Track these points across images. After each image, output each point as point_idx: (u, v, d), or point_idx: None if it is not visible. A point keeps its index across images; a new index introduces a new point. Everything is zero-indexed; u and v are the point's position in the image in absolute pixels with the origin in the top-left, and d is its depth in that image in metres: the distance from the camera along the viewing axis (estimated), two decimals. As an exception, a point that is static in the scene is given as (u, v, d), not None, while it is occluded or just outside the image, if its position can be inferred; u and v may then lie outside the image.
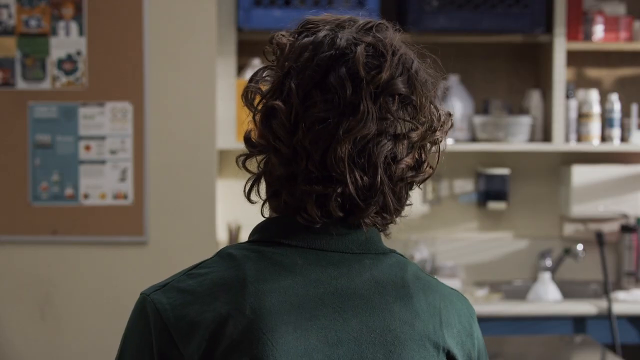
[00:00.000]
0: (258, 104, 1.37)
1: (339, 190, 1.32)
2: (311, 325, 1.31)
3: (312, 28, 1.39)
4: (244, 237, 4.35)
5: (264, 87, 1.37)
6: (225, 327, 1.30)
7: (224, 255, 1.39)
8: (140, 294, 1.41)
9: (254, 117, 1.38)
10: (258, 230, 1.41)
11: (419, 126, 1.36)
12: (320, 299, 1.33)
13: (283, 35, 1.39)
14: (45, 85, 4.00)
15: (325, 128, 1.31)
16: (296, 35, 1.39)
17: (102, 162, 4.01)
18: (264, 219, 1.41)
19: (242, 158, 1.40)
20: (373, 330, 1.34)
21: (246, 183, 1.41)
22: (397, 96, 1.34)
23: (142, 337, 1.35)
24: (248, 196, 1.41)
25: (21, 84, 4.00)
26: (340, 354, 1.31)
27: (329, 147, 1.31)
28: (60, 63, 4.00)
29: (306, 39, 1.37)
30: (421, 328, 1.36)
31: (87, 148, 4.01)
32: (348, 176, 1.31)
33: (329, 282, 1.35)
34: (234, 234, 4.30)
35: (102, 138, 4.01)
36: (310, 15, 1.43)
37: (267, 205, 1.41)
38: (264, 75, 1.39)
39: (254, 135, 1.38)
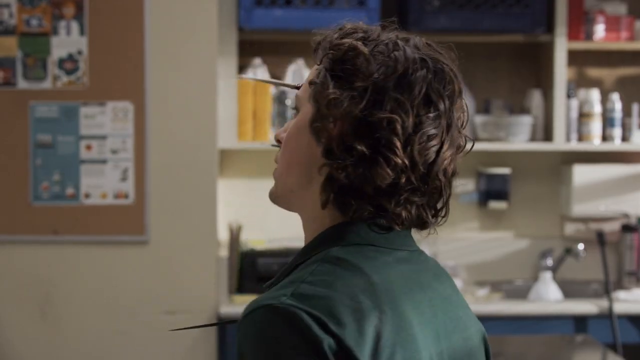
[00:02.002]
0: (350, 112, 1.37)
1: (438, 201, 1.43)
2: (423, 316, 1.40)
3: (373, 38, 1.43)
4: (244, 237, 4.35)
5: (335, 94, 1.38)
6: (383, 331, 1.32)
7: (333, 259, 1.38)
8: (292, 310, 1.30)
9: (333, 124, 1.38)
10: (347, 233, 1.41)
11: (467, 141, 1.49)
12: (415, 290, 1.42)
13: (357, 43, 1.41)
14: (46, 84, 4.00)
15: (434, 144, 1.39)
16: (370, 45, 1.41)
17: (103, 161, 4.01)
18: (342, 222, 1.41)
19: (336, 168, 1.39)
20: (452, 320, 1.45)
21: (334, 195, 1.40)
22: (463, 113, 1.48)
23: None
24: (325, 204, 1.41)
25: (22, 84, 4.00)
26: (443, 347, 1.42)
27: (435, 162, 1.40)
28: (61, 62, 4.00)
29: (396, 53, 1.40)
30: (472, 314, 1.52)
31: (88, 147, 4.01)
32: (444, 189, 1.43)
33: (417, 276, 1.44)
34: (234, 233, 4.30)
35: (103, 137, 4.01)
36: (346, 20, 1.48)
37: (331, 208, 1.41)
38: (329, 81, 1.39)
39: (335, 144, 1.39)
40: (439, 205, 1.44)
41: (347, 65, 1.39)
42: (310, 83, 1.43)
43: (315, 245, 1.41)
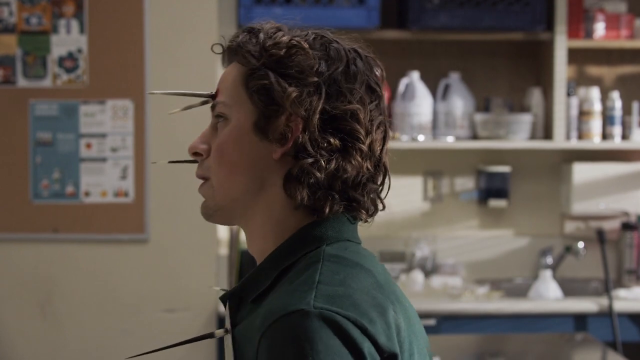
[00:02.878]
0: (315, 107, 1.38)
1: (386, 186, 1.44)
2: (402, 306, 1.40)
3: (297, 35, 1.42)
4: (244, 235, 4.35)
5: (296, 92, 1.37)
6: (399, 323, 1.34)
7: (332, 258, 1.37)
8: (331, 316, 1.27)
9: (296, 122, 1.38)
10: (327, 230, 1.40)
11: None
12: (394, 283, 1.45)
13: (296, 40, 1.40)
14: (46, 83, 4.00)
15: (384, 130, 1.43)
16: (310, 42, 1.41)
17: (103, 159, 4.01)
18: (316, 219, 1.40)
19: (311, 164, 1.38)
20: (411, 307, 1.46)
21: (315, 193, 1.38)
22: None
23: None
24: (324, 209, 1.40)
25: (22, 82, 4.00)
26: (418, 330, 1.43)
27: (383, 148, 1.43)
28: (61, 61, 4.00)
29: (333, 46, 1.41)
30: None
31: (88, 146, 4.01)
32: (388, 173, 1.45)
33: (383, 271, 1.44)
34: (234, 232, 4.30)
35: (103, 136, 4.01)
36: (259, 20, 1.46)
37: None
38: (280, 80, 1.38)
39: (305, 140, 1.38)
40: (383, 194, 1.45)
41: (292, 62, 1.38)
42: (250, 84, 1.39)
43: (294, 249, 1.39)
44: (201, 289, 4.03)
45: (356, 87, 1.39)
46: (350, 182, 1.39)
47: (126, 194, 4.02)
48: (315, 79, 1.38)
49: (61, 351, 4.04)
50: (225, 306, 1.43)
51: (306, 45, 1.39)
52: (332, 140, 1.37)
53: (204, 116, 4.48)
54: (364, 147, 1.39)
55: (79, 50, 4.00)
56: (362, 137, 1.39)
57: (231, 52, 1.45)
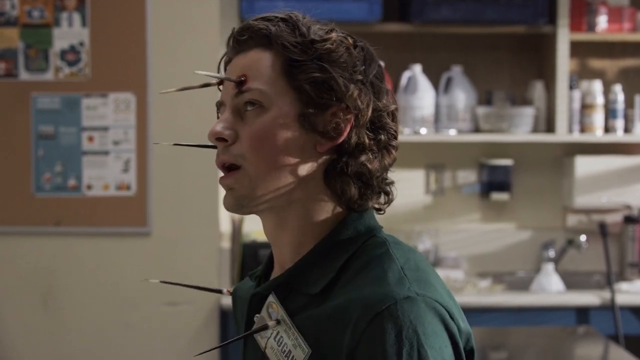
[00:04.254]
0: (368, 104, 1.41)
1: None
2: None
3: (335, 30, 1.44)
4: (247, 228, 4.35)
5: (353, 89, 1.40)
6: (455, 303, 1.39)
7: (394, 244, 1.41)
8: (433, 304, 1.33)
9: (358, 116, 1.40)
10: (371, 220, 1.43)
11: None
12: None
13: (341, 36, 1.42)
14: (48, 76, 4.00)
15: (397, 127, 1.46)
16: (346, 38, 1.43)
17: (105, 153, 4.01)
18: (357, 211, 1.43)
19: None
20: None
21: (360, 188, 1.41)
22: None
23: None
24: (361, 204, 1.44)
25: (24, 75, 4.00)
26: None
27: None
28: (63, 54, 4.00)
29: (360, 43, 1.43)
30: None
31: (90, 139, 4.01)
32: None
33: None
34: (236, 224, 4.30)
35: (105, 129, 4.01)
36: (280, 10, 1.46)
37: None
38: (336, 76, 1.40)
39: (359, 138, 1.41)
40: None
41: (342, 59, 1.39)
42: (298, 76, 1.38)
43: (350, 240, 1.40)
44: (203, 282, 4.03)
45: (385, 85, 1.43)
46: (381, 175, 1.43)
47: (128, 187, 4.02)
48: (360, 77, 1.39)
49: (63, 344, 4.05)
50: (251, 300, 1.46)
51: (350, 42, 1.41)
52: (382, 137, 1.41)
53: (207, 108, 4.47)
54: (396, 142, 1.44)
55: (81, 44, 3.99)
56: (396, 133, 1.43)
57: (259, 39, 1.41)
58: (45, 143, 4.00)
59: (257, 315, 1.44)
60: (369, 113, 1.39)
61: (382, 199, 1.44)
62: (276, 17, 1.42)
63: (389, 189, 1.44)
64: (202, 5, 4.02)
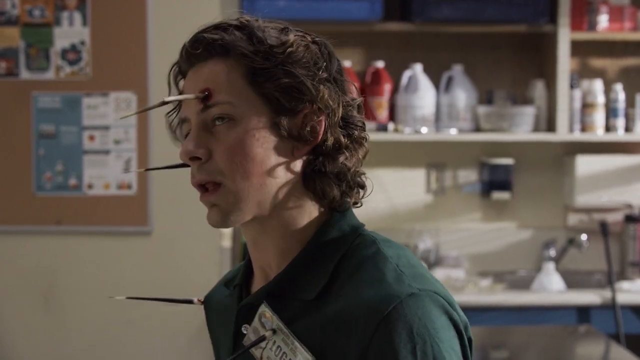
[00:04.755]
0: (338, 102, 1.39)
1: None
2: None
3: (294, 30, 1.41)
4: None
5: (323, 90, 1.38)
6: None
7: (384, 242, 1.39)
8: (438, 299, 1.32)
9: (330, 116, 1.38)
10: (353, 219, 1.42)
11: None
12: None
13: (300, 36, 1.40)
14: (49, 75, 4.00)
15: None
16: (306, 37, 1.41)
17: (106, 152, 4.01)
18: (342, 211, 1.41)
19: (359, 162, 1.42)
20: None
21: (340, 187, 1.40)
22: None
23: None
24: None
25: (25, 74, 4.00)
26: None
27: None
28: (64, 53, 4.00)
29: (317, 40, 1.40)
30: None
31: (91, 138, 4.01)
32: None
33: None
34: (237, 224, 4.31)
35: (106, 128, 4.01)
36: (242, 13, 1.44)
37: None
38: (304, 78, 1.38)
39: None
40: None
41: (304, 59, 1.36)
42: (264, 84, 1.34)
43: (338, 242, 1.37)
44: (204, 281, 4.03)
45: (347, 78, 1.41)
46: (357, 171, 1.41)
47: (129, 187, 4.02)
48: (325, 74, 1.37)
49: (64, 343, 4.05)
50: (239, 311, 1.42)
51: (309, 40, 1.38)
52: (355, 132, 1.39)
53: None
54: (367, 134, 1.42)
55: (82, 43, 3.99)
56: (364, 126, 1.41)
57: (215, 50, 1.38)
58: (46, 142, 4.00)
59: (246, 325, 1.40)
60: (340, 111, 1.36)
61: (359, 192, 1.42)
62: (229, 25, 1.38)
63: (363, 182, 1.41)
64: (203, 5, 4.01)
